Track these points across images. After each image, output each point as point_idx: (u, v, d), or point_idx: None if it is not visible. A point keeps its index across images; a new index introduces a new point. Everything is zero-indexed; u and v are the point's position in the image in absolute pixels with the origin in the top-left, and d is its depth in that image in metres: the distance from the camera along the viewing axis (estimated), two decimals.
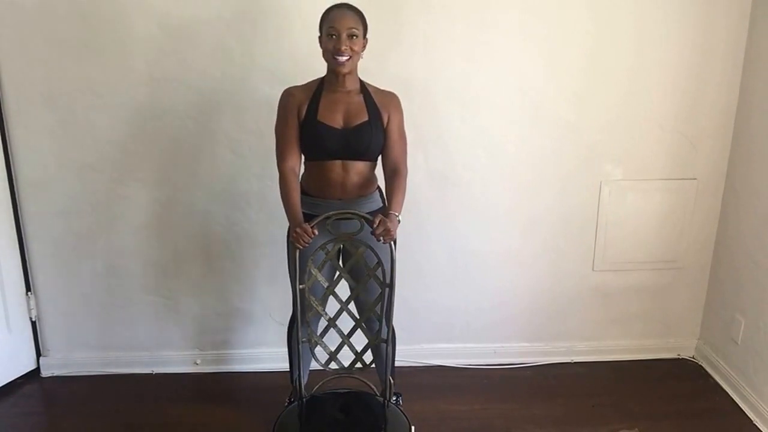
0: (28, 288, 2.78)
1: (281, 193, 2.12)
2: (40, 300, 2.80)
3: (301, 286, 2.04)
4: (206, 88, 2.56)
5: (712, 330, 2.95)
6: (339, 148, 2.11)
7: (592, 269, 2.89)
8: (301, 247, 2.00)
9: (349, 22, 2.04)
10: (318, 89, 2.14)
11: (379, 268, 2.06)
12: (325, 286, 2.14)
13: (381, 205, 2.26)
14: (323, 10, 2.09)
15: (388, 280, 2.06)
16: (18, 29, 2.46)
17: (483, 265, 2.84)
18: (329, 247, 2.07)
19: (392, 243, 2.05)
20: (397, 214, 2.07)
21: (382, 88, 2.20)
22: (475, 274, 2.85)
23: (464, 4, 2.52)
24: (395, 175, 2.17)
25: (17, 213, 2.68)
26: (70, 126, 2.58)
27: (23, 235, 2.71)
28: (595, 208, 2.80)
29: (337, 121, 2.11)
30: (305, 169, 2.20)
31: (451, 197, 2.74)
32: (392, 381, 2.37)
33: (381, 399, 2.16)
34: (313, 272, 2.07)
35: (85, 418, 2.60)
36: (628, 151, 2.74)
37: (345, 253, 2.20)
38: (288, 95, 2.15)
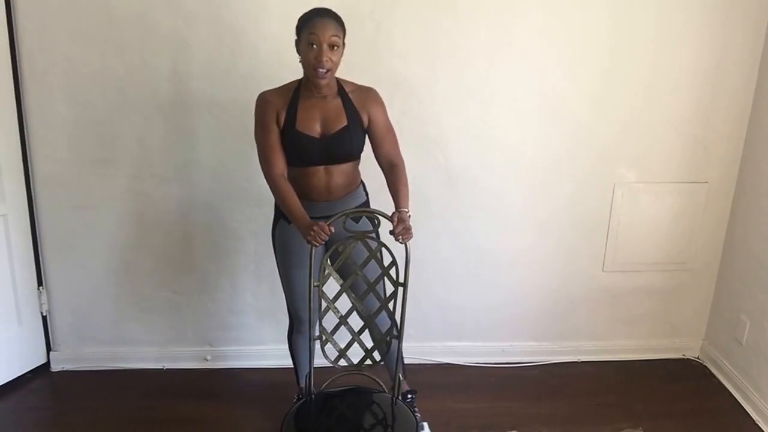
0: (39, 282, 2.77)
1: (278, 200, 2.11)
2: (52, 295, 2.79)
3: (315, 284, 2.03)
4: (230, 85, 2.54)
5: (717, 331, 2.98)
6: (320, 155, 2.08)
7: (602, 270, 2.90)
8: (317, 245, 1.99)
9: (331, 31, 1.96)
10: (294, 95, 2.09)
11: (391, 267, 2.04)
12: (340, 284, 2.14)
13: (365, 198, 2.26)
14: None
15: (402, 279, 2.04)
16: (41, 24, 2.44)
17: (494, 264, 2.85)
18: (347, 243, 2.05)
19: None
20: (407, 210, 2.04)
21: (360, 84, 2.15)
22: (487, 273, 2.86)
23: (487, 6, 2.52)
24: (393, 169, 2.14)
25: (32, 207, 2.66)
26: (88, 121, 2.56)
27: (37, 230, 2.70)
28: (607, 209, 2.81)
29: (316, 130, 2.07)
30: (288, 173, 2.16)
31: (465, 196, 2.75)
32: (402, 378, 2.39)
33: (389, 396, 2.17)
34: (328, 270, 2.07)
35: (94, 413, 2.61)
36: (643, 153, 2.75)
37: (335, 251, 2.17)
38: (265, 102, 2.09)
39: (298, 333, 2.39)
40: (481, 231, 2.81)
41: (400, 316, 2.05)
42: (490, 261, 2.85)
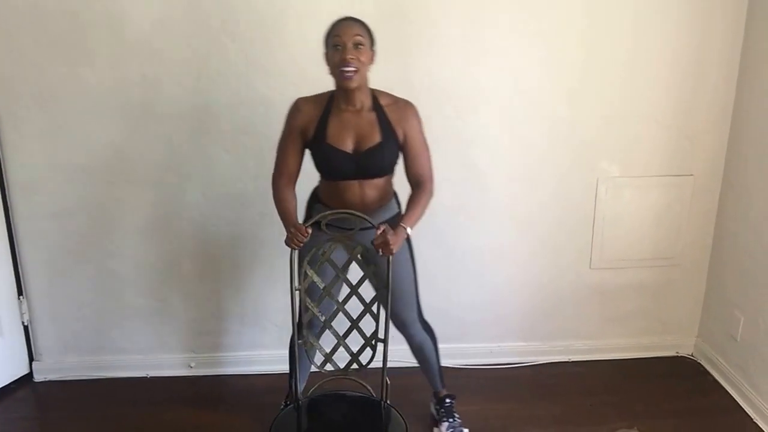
0: (20, 292, 2.76)
1: (275, 204, 2.10)
2: (33, 304, 2.78)
3: (297, 288, 2.02)
4: (200, 88, 2.54)
5: (710, 327, 2.94)
6: (352, 170, 2.05)
7: (590, 267, 2.87)
8: (294, 248, 1.97)
9: (354, 30, 1.95)
10: (328, 106, 2.05)
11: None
12: (322, 287, 2.11)
13: (397, 210, 2.23)
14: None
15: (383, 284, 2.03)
16: (9, 30, 2.44)
17: (479, 263, 2.83)
18: (325, 247, 2.05)
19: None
20: (406, 226, 2.02)
21: (398, 97, 2.10)
22: (471, 273, 2.83)
23: (460, 3, 2.50)
24: (417, 187, 2.12)
25: (8, 216, 2.65)
26: (62, 128, 2.56)
27: (15, 239, 2.69)
28: (591, 205, 2.78)
29: (348, 145, 2.04)
30: (322, 183, 2.15)
31: (447, 195, 2.71)
32: (444, 383, 2.49)
33: (378, 400, 2.14)
34: (309, 273, 2.05)
35: (78, 423, 2.58)
36: (625, 147, 2.73)
37: (365, 257, 2.17)
38: (296, 110, 2.06)
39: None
40: (464, 230, 2.78)
41: (384, 319, 2.03)
42: (473, 260, 2.82)
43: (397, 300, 2.21)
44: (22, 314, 2.78)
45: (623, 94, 2.66)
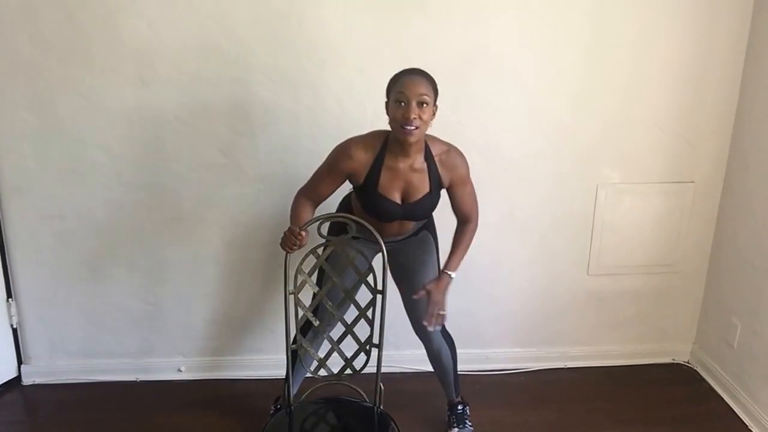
0: (9, 294, 2.72)
1: (290, 215, 2.10)
2: (22, 306, 2.74)
3: (291, 292, 1.99)
4: (197, 90, 2.49)
5: (707, 334, 2.93)
6: (398, 216, 2.09)
7: (587, 273, 2.86)
8: (289, 252, 1.96)
9: (420, 88, 1.91)
10: (381, 152, 2.02)
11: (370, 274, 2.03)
12: (315, 292, 2.08)
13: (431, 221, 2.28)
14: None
15: (380, 287, 2.02)
16: (2, 30, 2.39)
17: (476, 268, 2.77)
18: (319, 251, 2.02)
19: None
20: (451, 273, 2.07)
21: (449, 145, 2.09)
22: (468, 278, 2.77)
23: (462, 3, 2.46)
24: (463, 224, 2.18)
25: None
26: (54, 129, 2.51)
27: (4, 241, 2.65)
28: (591, 211, 2.76)
29: (397, 196, 2.05)
30: (357, 204, 2.15)
31: (443, 199, 2.68)
32: (458, 392, 2.52)
33: (371, 406, 2.12)
34: (302, 277, 2.01)
35: (68, 427, 2.56)
36: (626, 154, 2.70)
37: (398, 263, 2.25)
38: (348, 157, 2.01)
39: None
40: None
41: (379, 324, 2.01)
42: (470, 265, 2.75)
43: (421, 303, 2.23)
44: (10, 317, 2.74)
45: (625, 100, 2.63)
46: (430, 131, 2.04)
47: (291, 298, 2.00)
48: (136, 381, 2.84)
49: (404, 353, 2.82)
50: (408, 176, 2.04)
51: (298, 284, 2.01)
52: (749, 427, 2.57)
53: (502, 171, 2.69)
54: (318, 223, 1.98)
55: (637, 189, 2.75)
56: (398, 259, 2.25)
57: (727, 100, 2.67)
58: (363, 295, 2.07)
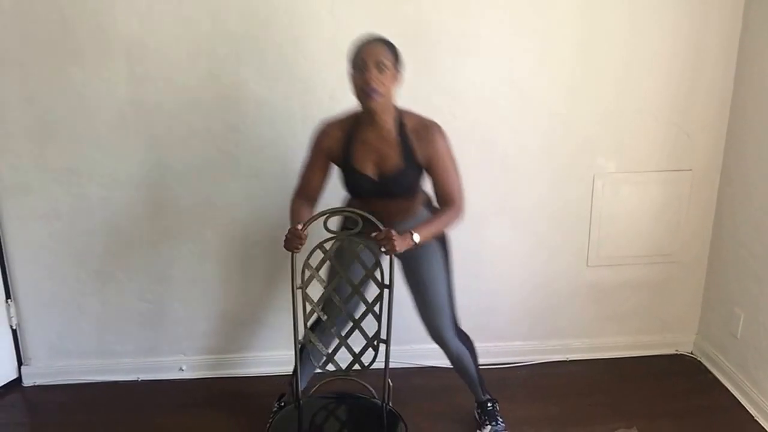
0: (8, 295, 2.73)
1: (289, 217, 2.12)
2: (21, 307, 2.75)
3: (298, 287, 2.00)
4: (191, 86, 2.51)
5: (710, 324, 2.92)
6: (375, 192, 2.09)
7: (587, 265, 2.85)
8: (294, 251, 1.97)
9: (377, 52, 1.94)
10: (353, 128, 2.07)
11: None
12: (324, 287, 2.09)
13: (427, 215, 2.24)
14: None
15: (387, 281, 2.02)
16: None
17: (474, 262, 2.79)
18: (326, 245, 2.03)
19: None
20: (414, 232, 2.01)
21: (423, 117, 2.08)
22: (467, 272, 2.78)
23: None
24: (443, 205, 2.15)
25: None
26: (49, 128, 2.53)
27: (3, 241, 2.66)
28: (588, 202, 2.76)
29: (371, 169, 2.06)
30: (348, 201, 2.19)
31: None
32: (485, 390, 2.49)
33: (379, 402, 2.12)
34: (309, 272, 2.02)
35: (68, 428, 2.57)
36: (622, 143, 2.71)
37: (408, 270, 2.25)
38: (323, 134, 2.09)
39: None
40: (460, 228, 2.72)
41: (386, 319, 2.01)
42: (469, 259, 2.78)
43: (426, 305, 2.25)
44: (10, 318, 2.75)
45: (620, 89, 2.64)
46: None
47: (298, 293, 2.00)
48: (137, 380, 2.85)
49: (405, 348, 2.82)
50: (379, 147, 2.05)
51: (305, 279, 2.01)
52: (754, 417, 2.56)
53: (497, 164, 2.70)
54: (324, 217, 1.98)
55: (634, 178, 2.76)
56: (409, 266, 2.24)
57: (722, 87, 2.67)
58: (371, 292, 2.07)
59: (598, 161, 2.72)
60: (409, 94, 2.55)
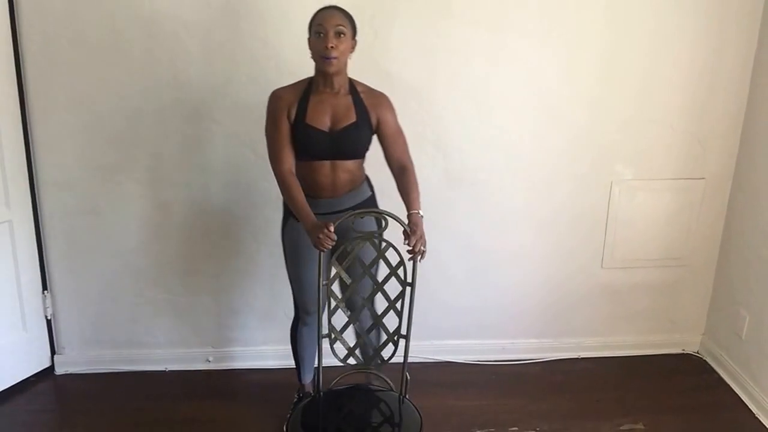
0: (44, 287, 2.78)
1: (284, 196, 2.16)
2: (56, 298, 2.80)
3: (324, 283, 2.05)
4: (230, 92, 2.57)
5: (717, 325, 2.98)
6: (327, 149, 2.13)
7: (601, 267, 2.92)
8: (323, 251, 2.02)
9: (336, 20, 2.05)
10: (306, 90, 2.14)
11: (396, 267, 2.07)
12: (348, 283, 2.14)
13: (370, 194, 2.29)
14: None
15: (409, 279, 2.07)
16: (45, 32, 2.47)
17: (495, 263, 2.87)
18: (348, 247, 2.07)
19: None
20: (419, 211, 2.08)
21: (373, 87, 2.19)
22: (487, 272, 2.88)
23: (483, 8, 2.54)
24: (404, 171, 2.19)
25: (37, 213, 2.68)
26: (92, 128, 2.59)
27: (42, 235, 2.72)
28: (605, 207, 2.82)
29: (325, 123, 2.12)
30: (296, 166, 2.19)
31: (465, 196, 2.77)
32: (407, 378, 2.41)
33: (396, 394, 2.18)
34: (336, 269, 2.08)
35: (98, 416, 2.62)
36: (639, 151, 2.77)
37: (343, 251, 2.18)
38: (277, 98, 2.15)
39: (305, 325, 2.41)
40: (481, 230, 2.83)
41: (407, 315, 2.07)
42: (490, 260, 2.86)
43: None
44: (45, 308, 2.80)
45: (640, 99, 2.70)
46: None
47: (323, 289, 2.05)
48: (165, 371, 2.89)
49: (423, 344, 2.87)
50: (334, 104, 2.13)
51: (331, 276, 2.07)
52: (756, 416, 2.63)
53: (520, 169, 2.76)
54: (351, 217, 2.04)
55: (649, 185, 2.82)
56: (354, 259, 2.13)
57: (736, 99, 2.73)
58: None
59: (617, 169, 2.78)
60: (443, 103, 2.61)
